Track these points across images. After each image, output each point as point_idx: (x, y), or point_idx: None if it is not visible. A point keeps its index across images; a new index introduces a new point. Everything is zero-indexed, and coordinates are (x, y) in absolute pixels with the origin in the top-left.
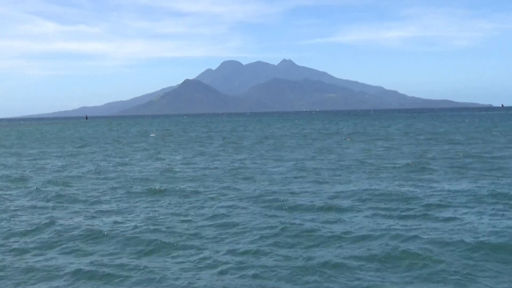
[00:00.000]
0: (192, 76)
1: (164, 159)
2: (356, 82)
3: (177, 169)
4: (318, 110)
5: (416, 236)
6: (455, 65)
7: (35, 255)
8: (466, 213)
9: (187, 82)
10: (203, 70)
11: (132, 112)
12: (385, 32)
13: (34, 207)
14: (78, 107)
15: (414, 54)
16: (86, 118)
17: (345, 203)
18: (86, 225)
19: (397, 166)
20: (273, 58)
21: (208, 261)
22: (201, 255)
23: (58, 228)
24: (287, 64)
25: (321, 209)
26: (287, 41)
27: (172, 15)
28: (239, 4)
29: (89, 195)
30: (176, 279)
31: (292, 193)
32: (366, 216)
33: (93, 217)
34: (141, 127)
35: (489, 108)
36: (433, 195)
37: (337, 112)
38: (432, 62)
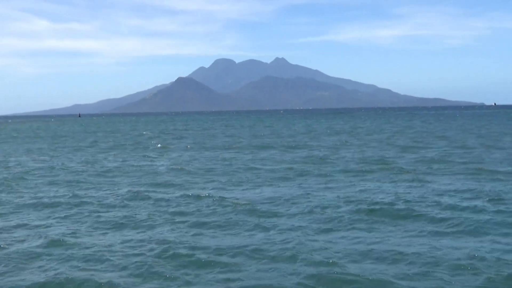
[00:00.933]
0: (185, 74)
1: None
2: (349, 80)
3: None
4: (311, 108)
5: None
6: (448, 63)
7: None
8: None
9: (180, 80)
10: (196, 68)
11: (125, 110)
12: (378, 30)
13: None
14: (70, 104)
15: (407, 53)
16: (79, 116)
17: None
18: None
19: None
20: (266, 56)
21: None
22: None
23: None
24: (280, 62)
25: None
26: (280, 39)
27: (165, 13)
28: (232, 2)
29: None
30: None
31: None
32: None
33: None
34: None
35: (481, 107)
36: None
37: (327, 110)
38: (425, 60)
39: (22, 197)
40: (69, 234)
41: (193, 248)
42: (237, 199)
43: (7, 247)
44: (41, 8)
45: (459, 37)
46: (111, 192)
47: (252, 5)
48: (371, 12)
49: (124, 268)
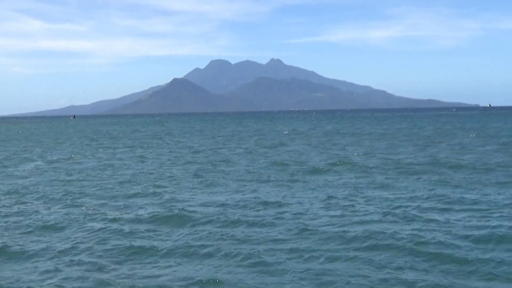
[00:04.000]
0: (180, 75)
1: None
2: (344, 82)
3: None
4: (306, 109)
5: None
6: (442, 64)
7: None
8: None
9: (175, 81)
10: (192, 69)
11: (120, 111)
12: (372, 31)
13: None
14: (65, 105)
15: (402, 54)
16: (74, 117)
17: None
18: None
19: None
20: (262, 57)
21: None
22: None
23: None
24: (275, 63)
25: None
26: (275, 40)
27: (159, 13)
28: (226, 2)
29: None
30: None
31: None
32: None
33: None
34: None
35: (475, 108)
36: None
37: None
38: (419, 61)
39: None
40: None
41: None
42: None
43: None
44: (35, 8)
45: (453, 38)
46: None
47: (246, 5)
48: (365, 12)
49: None
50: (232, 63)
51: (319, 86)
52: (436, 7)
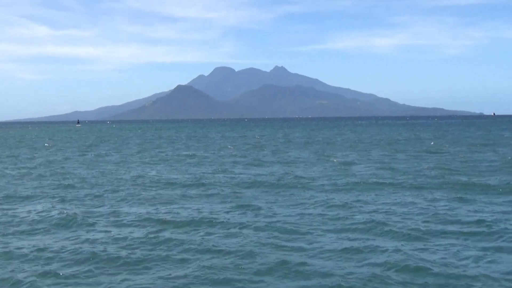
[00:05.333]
0: (184, 81)
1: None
2: (348, 89)
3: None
4: (310, 116)
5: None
6: (447, 73)
7: None
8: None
9: (179, 88)
10: (196, 75)
11: (125, 117)
12: (376, 39)
13: None
14: (70, 111)
15: (406, 62)
16: (78, 123)
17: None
18: None
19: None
20: (266, 64)
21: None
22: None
23: None
24: (280, 70)
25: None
26: (279, 48)
27: (164, 20)
28: (231, 10)
29: None
30: None
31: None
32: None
33: None
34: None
35: (479, 116)
36: None
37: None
38: (423, 70)
39: None
40: None
41: None
42: None
43: None
44: (41, 14)
45: (457, 47)
46: None
47: (250, 13)
48: (369, 20)
49: None
50: (236, 70)
51: (323, 94)
52: (441, 15)
